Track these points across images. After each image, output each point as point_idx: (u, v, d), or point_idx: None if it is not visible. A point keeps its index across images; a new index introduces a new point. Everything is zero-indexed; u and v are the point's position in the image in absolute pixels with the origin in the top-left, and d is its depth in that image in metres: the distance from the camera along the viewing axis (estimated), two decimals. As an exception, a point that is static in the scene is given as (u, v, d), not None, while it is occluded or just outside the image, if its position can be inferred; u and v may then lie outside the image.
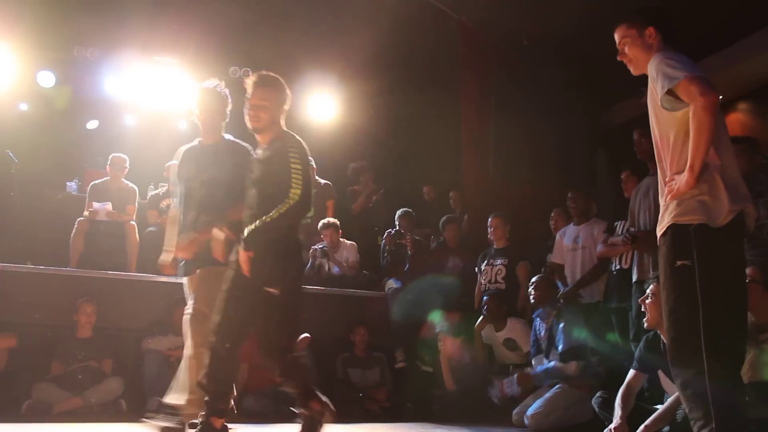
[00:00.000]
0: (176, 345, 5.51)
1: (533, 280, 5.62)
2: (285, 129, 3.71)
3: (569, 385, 5.10)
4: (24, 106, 9.07)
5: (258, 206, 3.57)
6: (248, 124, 3.64)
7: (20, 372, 5.42)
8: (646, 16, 2.97)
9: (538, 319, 5.56)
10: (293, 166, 3.52)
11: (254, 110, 3.60)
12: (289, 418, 5.32)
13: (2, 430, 4.24)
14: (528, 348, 5.79)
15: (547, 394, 5.12)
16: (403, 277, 6.57)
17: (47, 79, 8.41)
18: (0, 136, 7.51)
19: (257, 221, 3.46)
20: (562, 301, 5.52)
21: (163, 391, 5.29)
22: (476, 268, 6.52)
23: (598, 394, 4.73)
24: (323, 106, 8.95)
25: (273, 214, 3.43)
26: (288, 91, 3.69)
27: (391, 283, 6.53)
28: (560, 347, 5.20)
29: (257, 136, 3.69)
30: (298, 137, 3.66)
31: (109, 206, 6.82)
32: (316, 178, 8.01)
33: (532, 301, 5.60)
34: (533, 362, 5.49)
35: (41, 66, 8.33)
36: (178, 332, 5.58)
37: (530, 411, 5.07)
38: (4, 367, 5.31)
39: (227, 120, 4.19)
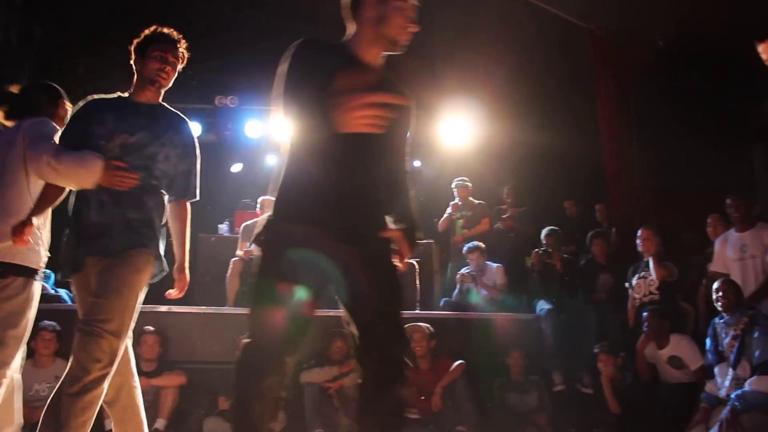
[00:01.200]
0: (333, 375, 5.65)
1: (717, 284, 5.17)
2: None
3: (760, 409, 4.69)
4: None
5: (380, 176, 2.53)
6: (397, 41, 2.51)
7: (192, 408, 5.72)
8: None
9: (722, 325, 5.11)
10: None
11: (411, 33, 2.52)
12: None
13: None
14: (696, 365, 5.44)
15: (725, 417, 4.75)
16: (554, 297, 6.39)
17: (194, 129, 8.93)
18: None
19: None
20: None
21: (323, 423, 5.44)
22: (626, 283, 6.25)
23: (786, 415, 4.37)
24: (459, 130, 9.00)
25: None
26: None
27: (542, 304, 6.36)
28: (757, 358, 4.77)
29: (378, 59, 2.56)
30: None
31: None
32: (471, 198, 8.03)
33: (720, 307, 5.11)
34: (716, 371, 5.10)
35: (188, 117, 8.86)
36: (335, 364, 5.73)
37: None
38: (178, 403, 5.61)
39: (169, 84, 3.32)
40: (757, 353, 4.79)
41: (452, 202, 8.05)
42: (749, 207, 5.67)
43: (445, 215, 8.03)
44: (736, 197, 5.66)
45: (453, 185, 8.06)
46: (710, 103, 7.36)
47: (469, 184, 8.01)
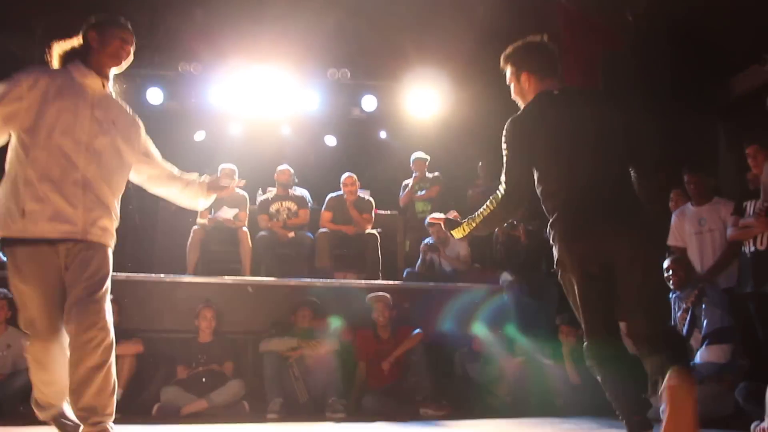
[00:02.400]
0: (291, 346, 5.59)
1: (667, 263, 5.17)
2: None
3: (712, 379, 4.74)
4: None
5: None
6: None
7: (148, 376, 5.61)
8: None
9: (675, 299, 5.16)
10: None
11: None
12: (409, 417, 5.29)
13: (135, 431, 4.36)
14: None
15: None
16: (518, 269, 6.37)
17: (156, 96, 8.71)
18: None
19: None
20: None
21: (282, 392, 5.39)
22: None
23: (741, 385, 4.42)
24: (427, 101, 8.82)
25: None
26: None
27: (506, 276, 6.34)
28: (705, 329, 4.84)
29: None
30: None
31: (232, 212, 6.98)
32: (427, 173, 7.95)
33: (671, 285, 5.14)
34: None
35: (150, 84, 8.64)
36: (295, 334, 5.66)
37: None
38: (134, 372, 5.50)
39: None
40: (705, 323, 4.85)
41: (413, 176, 7.99)
42: (708, 182, 5.70)
43: (406, 191, 7.94)
44: (693, 174, 5.68)
45: (411, 159, 7.99)
46: (677, 80, 7.37)
47: (426, 158, 7.94)
